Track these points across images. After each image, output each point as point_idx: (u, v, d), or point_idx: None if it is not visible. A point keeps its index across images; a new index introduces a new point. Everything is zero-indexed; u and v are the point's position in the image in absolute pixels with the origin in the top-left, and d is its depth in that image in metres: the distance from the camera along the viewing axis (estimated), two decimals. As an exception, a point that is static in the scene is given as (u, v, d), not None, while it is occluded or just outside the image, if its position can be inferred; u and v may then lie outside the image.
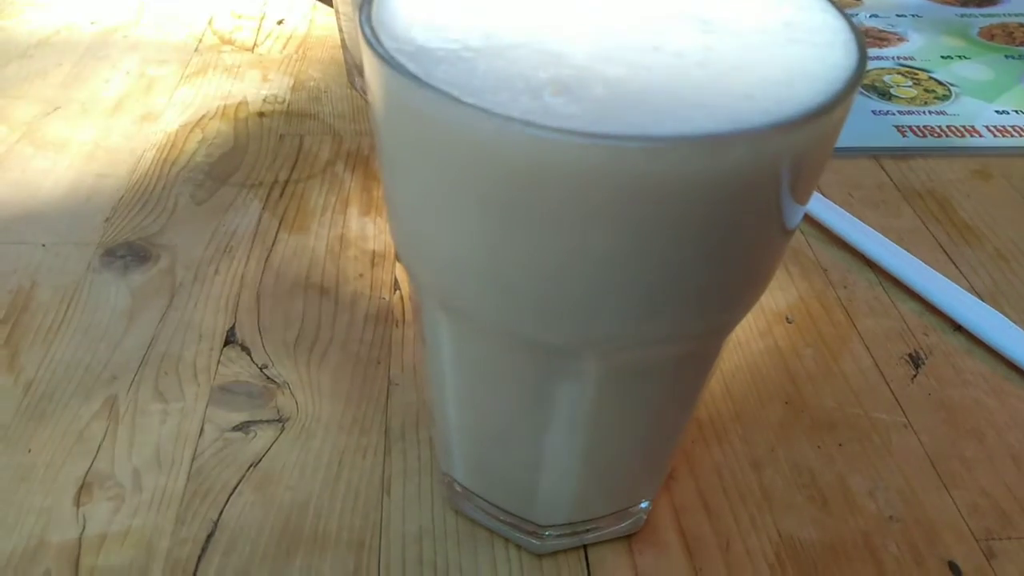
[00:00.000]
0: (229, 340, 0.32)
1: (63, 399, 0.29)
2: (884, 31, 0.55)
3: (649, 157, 0.14)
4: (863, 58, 0.16)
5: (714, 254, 0.16)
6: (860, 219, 0.39)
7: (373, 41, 0.16)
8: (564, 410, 0.20)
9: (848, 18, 0.18)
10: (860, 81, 0.16)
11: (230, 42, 0.51)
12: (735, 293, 0.18)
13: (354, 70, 0.47)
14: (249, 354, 0.31)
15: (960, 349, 0.33)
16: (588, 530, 0.25)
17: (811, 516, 0.27)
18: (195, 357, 0.31)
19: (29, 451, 0.27)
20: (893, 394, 0.31)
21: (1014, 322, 0.34)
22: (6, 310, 0.32)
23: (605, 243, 0.15)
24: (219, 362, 0.31)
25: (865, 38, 0.17)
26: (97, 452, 0.28)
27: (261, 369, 0.31)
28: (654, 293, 0.16)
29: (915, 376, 0.32)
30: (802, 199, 0.17)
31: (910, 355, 0.33)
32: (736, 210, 0.15)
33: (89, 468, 0.27)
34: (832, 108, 0.15)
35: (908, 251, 0.37)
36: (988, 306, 0.34)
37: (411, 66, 0.16)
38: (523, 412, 0.20)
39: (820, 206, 0.39)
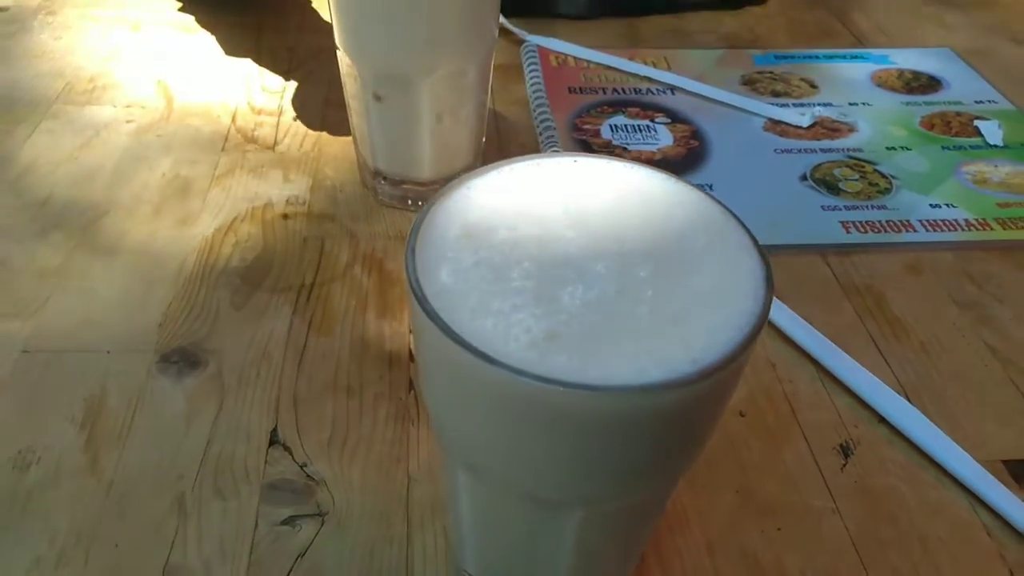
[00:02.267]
0: (273, 440, 0.38)
1: (139, 498, 0.35)
2: (836, 121, 0.62)
3: (612, 399, 0.20)
4: (769, 298, 0.23)
5: (665, 446, 0.22)
6: (805, 314, 0.45)
7: (419, 295, 0.22)
8: (555, 539, 0.26)
9: (763, 255, 0.24)
10: (764, 323, 0.22)
11: (253, 140, 0.57)
12: (681, 464, 0.24)
13: (366, 170, 0.53)
14: (291, 453, 0.37)
15: (883, 440, 0.40)
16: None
17: (754, 593, 0.33)
18: (245, 457, 0.37)
19: (116, 546, 0.33)
20: (825, 482, 0.38)
21: (929, 415, 0.40)
22: (83, 415, 0.38)
23: (586, 446, 0.21)
24: (266, 461, 0.37)
25: (773, 283, 0.24)
26: (172, 546, 0.34)
27: (302, 467, 0.37)
28: (624, 473, 0.23)
29: (844, 465, 0.38)
30: (724, 403, 0.23)
31: (841, 445, 0.39)
32: (677, 422, 0.22)
33: (167, 560, 0.33)
34: (742, 353, 0.21)
35: (845, 346, 0.43)
36: (907, 402, 0.41)
37: (444, 315, 0.22)
38: (524, 537, 0.27)
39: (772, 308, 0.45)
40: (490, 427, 0.23)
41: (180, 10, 0.71)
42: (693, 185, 0.27)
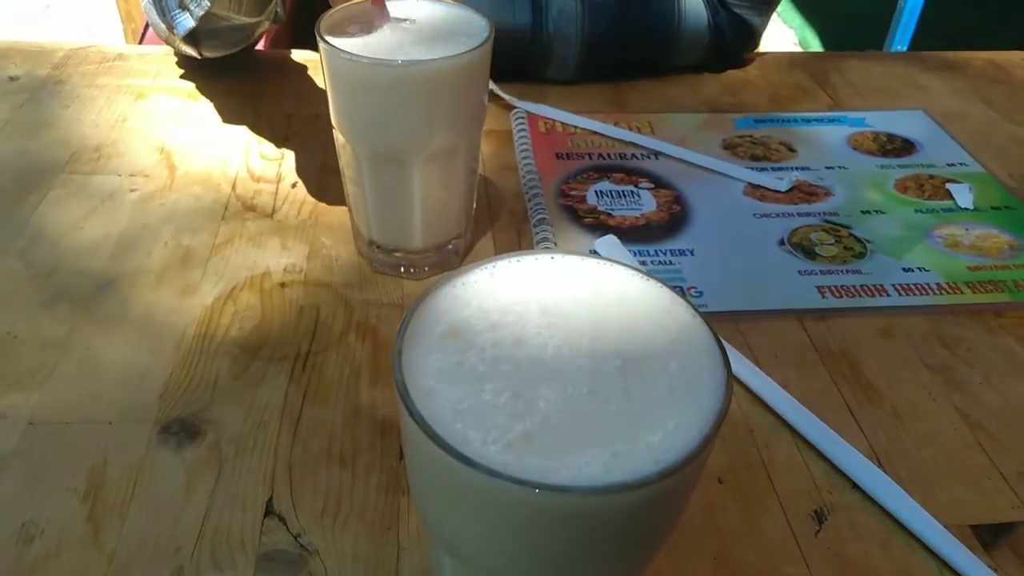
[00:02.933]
0: (268, 511, 0.39)
1: (139, 570, 0.37)
2: (813, 185, 0.65)
3: (581, 500, 0.22)
4: (728, 399, 0.25)
5: (634, 539, 0.24)
6: (783, 379, 0.47)
7: (406, 397, 0.24)
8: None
9: (725, 357, 0.26)
10: (719, 430, 0.24)
11: (252, 208, 0.59)
12: (650, 550, 0.26)
13: (360, 238, 0.55)
14: (286, 524, 0.39)
15: (856, 506, 0.41)
16: None
17: (730, 661, 0.35)
18: (242, 528, 0.39)
19: (117, 618, 0.35)
20: (800, 548, 0.39)
21: (900, 480, 0.42)
22: (86, 487, 0.40)
23: (559, 540, 0.23)
24: (261, 532, 0.39)
25: (733, 384, 0.25)
26: (170, 617, 0.35)
27: (296, 538, 0.38)
28: (597, 562, 0.24)
29: (818, 531, 0.40)
30: (690, 494, 0.25)
31: (816, 511, 0.41)
32: (643, 518, 0.23)
33: (166, 632, 0.35)
34: (701, 452, 0.23)
35: (821, 412, 0.45)
36: (879, 468, 0.42)
37: (428, 416, 0.24)
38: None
39: (749, 374, 0.47)
40: (470, 520, 0.24)
41: (182, 77, 0.74)
42: (663, 283, 0.29)
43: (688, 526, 0.40)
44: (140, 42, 0.92)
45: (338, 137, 0.51)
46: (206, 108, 0.70)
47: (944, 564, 0.39)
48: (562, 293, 0.28)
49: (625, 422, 0.24)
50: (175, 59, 0.76)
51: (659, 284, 0.29)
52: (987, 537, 0.40)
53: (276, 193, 0.61)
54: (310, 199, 0.60)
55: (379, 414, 0.45)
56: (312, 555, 0.38)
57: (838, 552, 0.39)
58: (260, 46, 0.84)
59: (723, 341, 0.27)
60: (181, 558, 0.37)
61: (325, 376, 0.47)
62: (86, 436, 0.42)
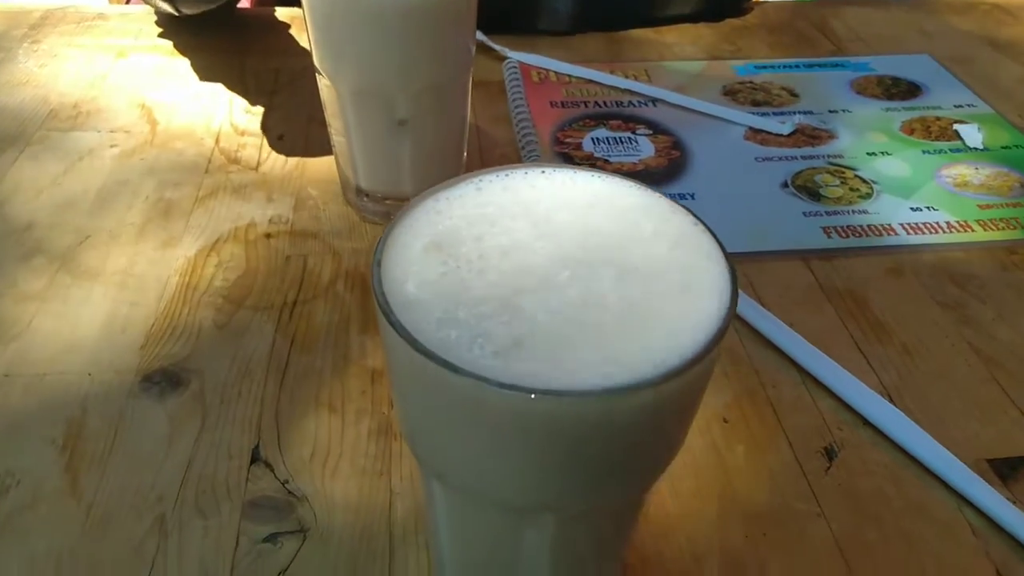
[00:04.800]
0: (255, 458, 0.38)
1: (119, 519, 0.35)
2: (816, 128, 0.63)
3: (576, 405, 0.20)
4: (733, 304, 0.23)
5: (633, 453, 0.22)
6: (789, 318, 0.45)
7: (385, 306, 0.22)
8: (532, 544, 0.26)
9: (729, 263, 0.24)
10: (725, 332, 0.22)
11: (236, 161, 0.57)
12: (651, 471, 0.24)
13: (349, 187, 0.53)
14: (273, 471, 0.37)
15: (867, 441, 0.40)
16: (557, 621, 0.31)
17: (739, 599, 0.33)
18: (227, 475, 0.37)
19: (96, 568, 0.33)
20: (810, 485, 0.38)
21: (912, 415, 0.40)
22: (64, 437, 0.38)
23: (552, 455, 0.21)
24: (247, 479, 0.37)
25: (739, 278, 0.24)
26: (152, 566, 0.33)
27: (283, 484, 0.37)
28: (593, 478, 0.22)
29: (828, 468, 0.38)
30: (696, 404, 0.23)
31: (825, 448, 0.39)
32: (644, 427, 0.22)
33: (147, 581, 0.33)
34: (705, 356, 0.21)
35: (828, 349, 0.43)
36: (890, 403, 0.41)
37: (410, 326, 0.22)
38: (499, 545, 0.26)
39: (753, 313, 0.45)
40: (458, 436, 0.22)
41: (163, 35, 0.72)
42: (662, 193, 0.27)
43: (692, 465, 0.38)
44: (128, 2, 0.89)
45: (322, 81, 0.49)
46: (188, 65, 0.68)
47: (961, 498, 0.37)
48: (554, 205, 0.27)
49: (622, 327, 0.22)
50: (155, 18, 0.74)
51: (658, 195, 0.27)
52: (1005, 470, 0.38)
53: (261, 147, 0.59)
54: (297, 151, 0.58)
55: (369, 362, 0.43)
56: (300, 501, 0.36)
57: (850, 489, 0.37)
58: (246, 3, 0.82)
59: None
60: (163, 506, 0.36)
61: (313, 325, 0.45)
62: (64, 387, 0.41)
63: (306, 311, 0.46)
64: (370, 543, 0.35)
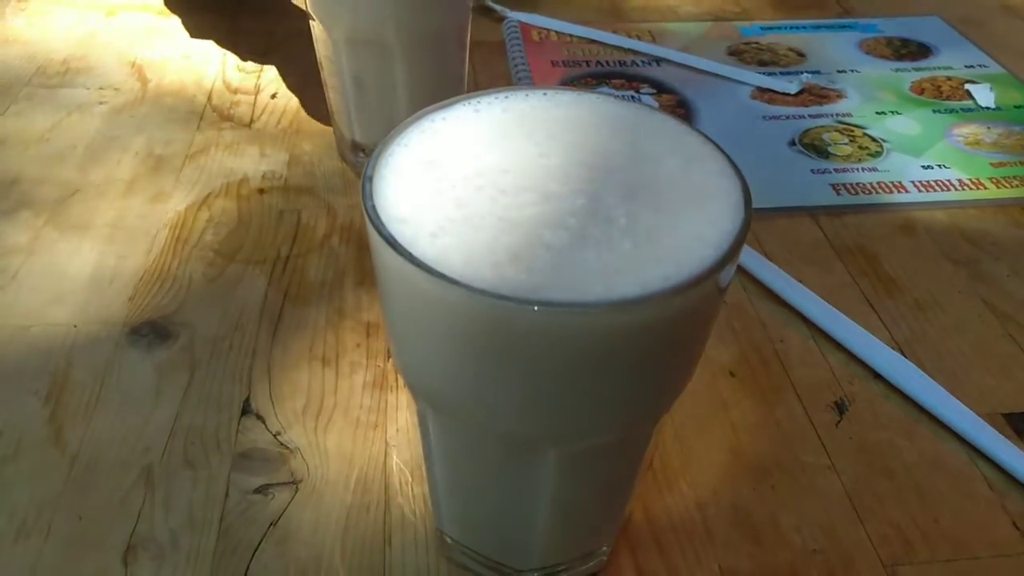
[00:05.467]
0: (246, 410, 0.37)
1: (105, 470, 0.34)
2: (824, 88, 0.61)
3: (580, 317, 0.19)
4: (748, 218, 0.21)
5: (640, 375, 0.21)
6: (797, 275, 0.44)
7: (376, 220, 0.21)
8: (530, 483, 0.24)
9: (742, 178, 0.23)
10: (742, 243, 0.21)
11: (229, 118, 0.56)
12: (662, 396, 0.23)
13: (344, 143, 0.52)
14: (264, 422, 0.36)
15: (879, 395, 0.38)
16: (559, 571, 0.30)
17: (746, 551, 0.32)
18: (217, 427, 0.36)
19: (80, 519, 0.32)
20: (820, 439, 0.36)
21: (925, 370, 0.39)
22: (48, 389, 0.37)
23: (554, 375, 0.20)
24: (238, 431, 0.36)
25: (751, 195, 0.22)
26: (138, 517, 0.32)
27: (275, 436, 0.36)
28: (596, 404, 0.21)
29: (839, 422, 0.37)
30: (707, 327, 0.22)
31: (836, 403, 0.38)
32: (652, 346, 0.20)
33: (133, 531, 0.32)
34: (718, 271, 0.20)
35: (837, 305, 0.42)
36: (902, 356, 0.39)
37: (402, 240, 0.20)
38: (498, 484, 0.25)
39: (760, 266, 0.44)
40: (452, 357, 0.21)
41: (156, -4, 0.70)
42: (672, 115, 0.26)
43: (698, 418, 0.37)
44: None
45: (316, 28, 0.47)
46: (179, 24, 0.66)
47: (976, 451, 0.36)
48: (558, 125, 0.25)
49: (630, 240, 0.21)
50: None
51: (669, 117, 0.26)
52: (1021, 425, 0.37)
53: (255, 104, 0.57)
54: (291, 109, 0.57)
55: (365, 316, 0.41)
56: (293, 453, 0.35)
57: (861, 442, 0.36)
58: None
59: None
60: (151, 457, 0.34)
61: (307, 278, 0.43)
62: (49, 339, 0.39)
63: (300, 265, 0.44)
64: (364, 495, 0.33)
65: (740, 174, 0.23)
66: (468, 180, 0.23)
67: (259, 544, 0.31)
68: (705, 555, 0.32)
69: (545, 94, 0.27)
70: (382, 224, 0.21)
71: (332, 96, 0.50)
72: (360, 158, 0.51)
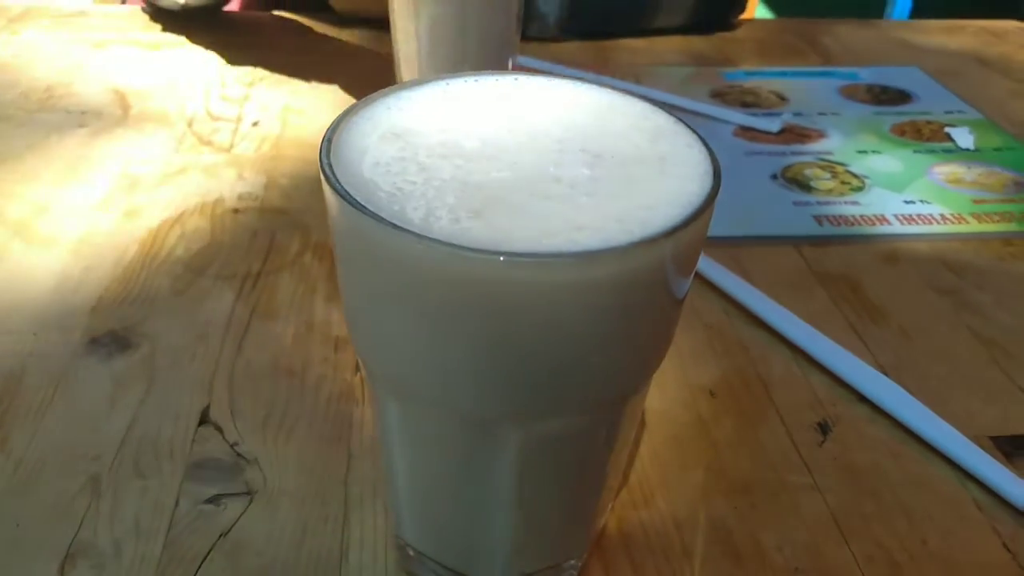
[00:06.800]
0: (204, 420, 0.35)
1: (49, 476, 0.32)
2: (806, 128, 0.61)
3: (539, 269, 0.18)
4: (717, 185, 0.21)
5: (603, 342, 0.20)
6: (778, 301, 0.43)
7: (331, 177, 0.20)
8: (494, 473, 0.23)
9: (710, 151, 0.22)
10: (710, 208, 0.20)
11: (209, 143, 0.55)
12: (627, 371, 0.22)
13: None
14: (222, 432, 0.34)
15: (863, 417, 0.37)
16: (525, 586, 0.28)
17: (726, 570, 0.30)
18: (172, 436, 0.34)
19: (17, 525, 0.30)
20: (803, 459, 0.35)
21: (912, 393, 0.38)
22: (-2, 395, 0.35)
23: (514, 340, 0.19)
24: (194, 440, 0.34)
25: (720, 168, 0.22)
26: (80, 524, 0.30)
27: (232, 446, 0.34)
28: (557, 377, 0.20)
29: (823, 442, 0.36)
30: (672, 294, 0.21)
31: (819, 423, 0.37)
32: (615, 308, 0.19)
33: (73, 539, 0.30)
34: (682, 229, 0.19)
35: (821, 330, 0.41)
36: (888, 379, 0.38)
37: (360, 198, 0.20)
38: (459, 475, 0.24)
39: (741, 290, 0.43)
40: (410, 325, 0.20)
41: (145, 31, 0.71)
42: (646, 99, 0.25)
43: (675, 436, 0.35)
44: (124, 1, 0.89)
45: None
46: (169, 56, 0.67)
47: (964, 473, 0.34)
48: (528, 105, 0.25)
49: (593, 201, 0.20)
50: (144, 14, 0.73)
51: (638, 99, 0.25)
52: (1009, 448, 0.36)
53: (236, 131, 0.57)
54: (272, 135, 0.57)
55: (334, 331, 0.40)
56: (250, 463, 0.33)
57: (846, 463, 0.35)
58: (235, 7, 0.82)
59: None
60: (99, 466, 0.33)
61: (277, 294, 0.42)
62: (4, 346, 0.38)
63: (271, 281, 0.43)
64: (324, 506, 0.32)
65: (709, 148, 0.22)
66: (432, 149, 0.22)
67: (207, 555, 0.30)
68: (682, 573, 0.30)
69: (516, 79, 0.26)
70: (338, 181, 0.20)
71: (401, 44, 0.51)
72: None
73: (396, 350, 0.21)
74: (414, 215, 0.19)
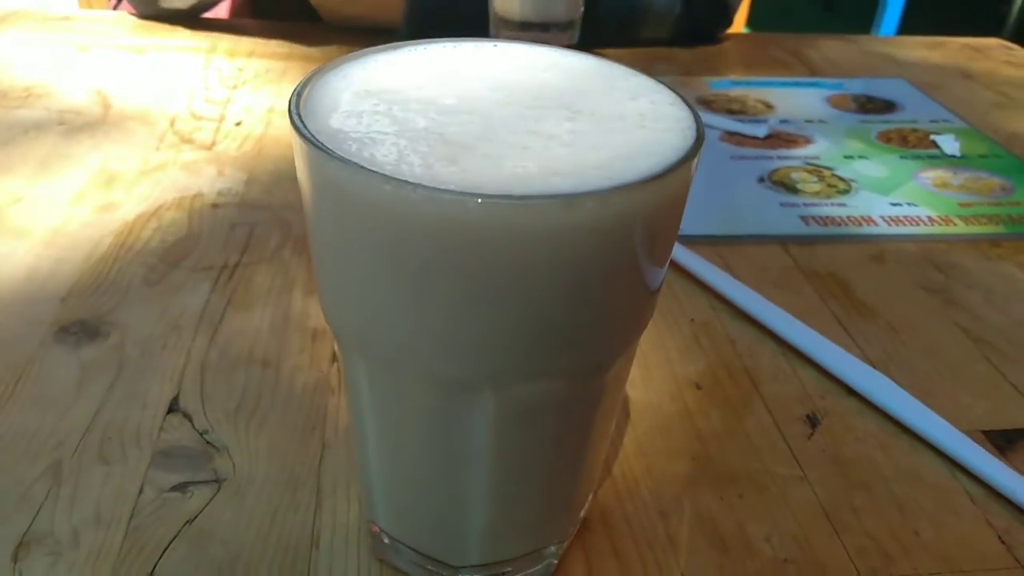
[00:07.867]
0: (172, 408, 0.34)
1: (7, 464, 0.31)
2: (793, 134, 0.61)
3: (515, 211, 0.17)
4: (700, 138, 0.20)
5: (581, 297, 0.19)
6: (766, 297, 0.42)
7: (300, 125, 0.19)
8: (468, 444, 0.22)
9: (692, 109, 0.21)
10: (694, 157, 0.19)
11: (190, 141, 0.54)
12: (605, 334, 0.21)
13: (497, 22, 0.59)
14: (191, 421, 0.33)
15: (853, 410, 0.36)
16: (503, 573, 0.27)
17: (713, 560, 0.29)
18: (139, 424, 0.33)
19: (-29, 512, 0.29)
20: (791, 450, 0.34)
21: (901, 386, 0.37)
22: (-42, 382, 0.34)
23: (486, 291, 0.18)
24: (161, 428, 0.33)
25: (704, 124, 0.21)
26: (38, 512, 0.29)
27: (201, 434, 0.33)
28: (533, 331, 0.19)
29: (811, 435, 0.35)
30: (652, 253, 0.20)
31: (807, 416, 0.36)
32: (593, 259, 0.18)
33: (29, 527, 0.28)
34: (664, 176, 0.18)
35: (808, 325, 0.40)
36: (878, 372, 0.37)
37: (329, 144, 0.19)
38: (433, 448, 0.23)
39: (728, 285, 0.42)
40: (380, 278, 0.19)
41: (130, 35, 0.70)
42: (628, 67, 0.24)
43: (661, 427, 0.34)
44: (115, 7, 0.88)
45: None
46: (153, 60, 0.66)
47: (956, 465, 0.33)
48: (507, 69, 0.24)
49: (571, 151, 0.19)
50: (129, 18, 0.72)
51: (618, 64, 0.24)
52: (1001, 442, 0.35)
53: (218, 130, 0.56)
54: (254, 135, 0.56)
55: (312, 322, 0.39)
56: (219, 451, 0.32)
57: (835, 455, 0.34)
58: (224, 13, 0.81)
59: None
60: (62, 452, 0.31)
61: (254, 286, 0.41)
62: (-32, 334, 0.37)
63: (248, 274, 0.42)
64: (294, 495, 0.30)
65: (691, 106, 0.22)
66: (407, 104, 0.21)
67: (170, 543, 0.28)
68: (667, 563, 0.29)
69: (495, 46, 0.26)
70: (306, 127, 0.19)
71: None
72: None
73: (365, 307, 0.20)
74: (385, 160, 0.18)
